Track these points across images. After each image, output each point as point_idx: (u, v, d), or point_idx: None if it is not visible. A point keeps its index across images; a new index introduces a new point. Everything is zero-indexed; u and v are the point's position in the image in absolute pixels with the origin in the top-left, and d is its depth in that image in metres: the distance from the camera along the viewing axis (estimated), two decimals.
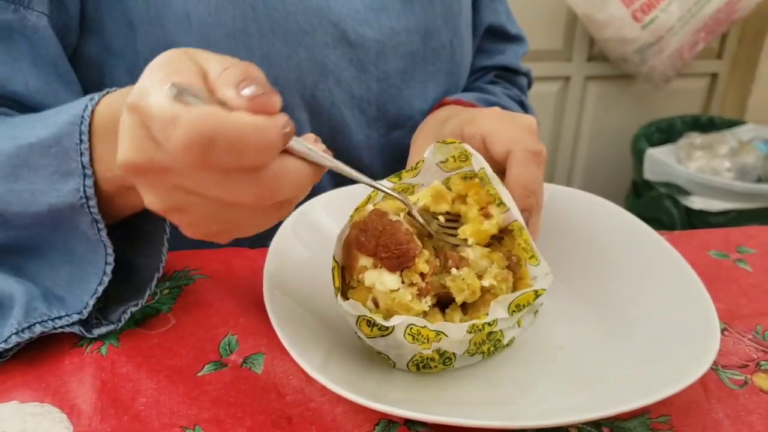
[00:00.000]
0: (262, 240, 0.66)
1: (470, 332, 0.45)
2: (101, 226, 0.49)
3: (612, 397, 0.43)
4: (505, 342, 0.49)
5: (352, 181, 0.69)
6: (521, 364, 0.50)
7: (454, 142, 0.50)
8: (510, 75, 0.89)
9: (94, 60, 0.63)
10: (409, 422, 0.45)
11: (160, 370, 0.49)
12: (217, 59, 0.38)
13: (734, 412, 0.46)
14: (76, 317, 0.50)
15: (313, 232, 0.58)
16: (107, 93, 0.47)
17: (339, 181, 0.75)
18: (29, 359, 0.50)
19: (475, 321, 0.45)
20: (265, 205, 0.38)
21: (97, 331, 0.51)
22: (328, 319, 0.51)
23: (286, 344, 0.44)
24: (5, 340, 0.48)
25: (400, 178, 0.51)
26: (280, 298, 0.50)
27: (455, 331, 0.45)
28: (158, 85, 0.35)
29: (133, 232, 0.53)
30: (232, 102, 0.34)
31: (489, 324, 0.45)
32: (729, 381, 0.49)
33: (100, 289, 0.50)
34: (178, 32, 0.61)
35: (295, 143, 0.37)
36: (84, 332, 0.50)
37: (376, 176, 0.76)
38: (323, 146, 0.40)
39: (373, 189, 0.50)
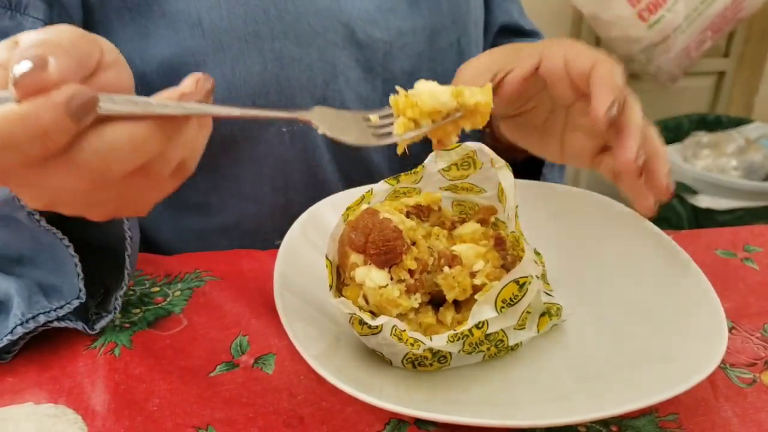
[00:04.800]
0: (270, 241, 0.67)
1: (451, 341, 0.45)
2: (37, 216, 0.48)
3: (620, 395, 0.44)
4: (510, 343, 0.49)
5: (362, 183, 0.70)
6: (530, 364, 0.50)
7: (455, 147, 0.49)
8: None
9: None
10: (419, 422, 0.45)
11: (172, 371, 0.49)
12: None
13: (743, 411, 0.46)
14: (76, 302, 0.50)
15: (322, 233, 0.58)
16: None
17: (349, 182, 0.75)
18: (43, 361, 0.50)
19: (455, 331, 0.45)
20: (124, 179, 0.34)
21: (98, 326, 0.52)
22: (339, 319, 0.51)
23: (297, 344, 0.44)
24: (11, 332, 0.48)
25: (398, 181, 0.51)
26: (291, 299, 0.50)
27: (434, 342, 0.45)
28: None
29: None
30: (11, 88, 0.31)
31: (477, 327, 0.45)
32: (737, 379, 0.49)
33: (78, 270, 0.50)
34: (191, 37, 0.61)
35: (111, 104, 0.32)
36: (86, 329, 0.51)
37: (382, 176, 0.76)
38: (198, 90, 0.36)
39: (367, 190, 0.50)
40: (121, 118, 0.33)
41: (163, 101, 0.34)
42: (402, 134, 0.42)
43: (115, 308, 0.53)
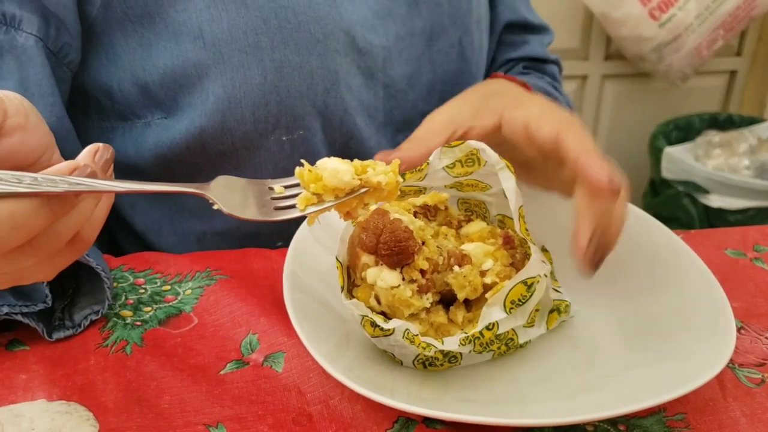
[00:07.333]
0: (271, 243, 0.67)
1: (463, 344, 0.45)
2: None
3: (628, 394, 0.44)
4: (520, 341, 0.49)
5: None
6: (538, 363, 0.50)
7: (459, 144, 0.49)
8: (538, 64, 0.88)
9: (102, 73, 0.65)
10: (427, 420, 0.46)
11: (183, 369, 0.50)
12: None
13: (751, 411, 0.46)
14: (41, 305, 0.51)
15: (331, 232, 0.59)
16: None
17: None
18: (55, 359, 0.51)
19: (466, 333, 0.46)
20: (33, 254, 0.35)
21: (56, 335, 0.52)
22: (348, 318, 0.52)
23: (306, 343, 0.45)
24: None
25: (403, 179, 0.51)
26: (300, 297, 0.50)
27: (446, 345, 0.45)
28: None
29: None
30: None
31: (488, 328, 0.45)
32: (746, 379, 0.49)
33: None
34: (193, 50, 0.62)
35: None
36: (45, 333, 0.52)
37: None
38: (96, 164, 0.35)
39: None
40: (3, 196, 0.32)
41: (52, 177, 0.33)
42: (304, 209, 0.41)
43: (81, 325, 0.53)
